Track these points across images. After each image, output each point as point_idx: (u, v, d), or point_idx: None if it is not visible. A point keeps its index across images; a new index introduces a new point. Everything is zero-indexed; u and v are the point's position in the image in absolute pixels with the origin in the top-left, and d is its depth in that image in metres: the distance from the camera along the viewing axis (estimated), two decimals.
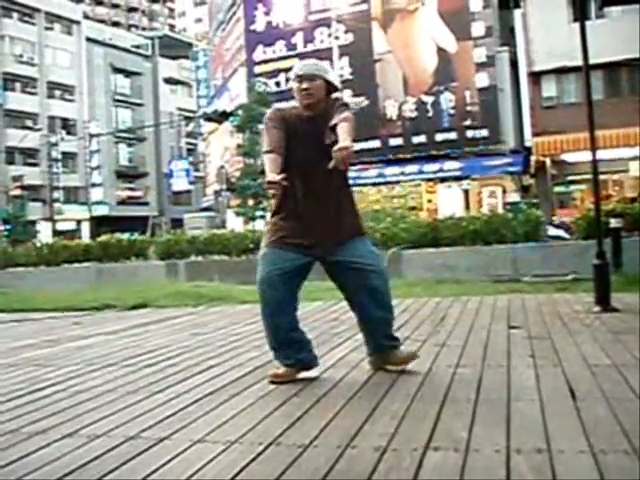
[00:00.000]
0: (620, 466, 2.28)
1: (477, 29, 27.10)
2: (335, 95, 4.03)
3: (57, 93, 52.03)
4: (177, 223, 40.31)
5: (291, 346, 3.93)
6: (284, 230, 3.85)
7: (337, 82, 4.11)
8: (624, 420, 2.78)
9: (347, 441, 2.69)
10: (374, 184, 28.23)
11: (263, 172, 3.87)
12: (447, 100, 27.76)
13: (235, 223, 29.20)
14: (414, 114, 28.46)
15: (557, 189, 26.25)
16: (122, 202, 54.70)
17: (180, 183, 51.27)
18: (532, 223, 13.00)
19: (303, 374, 3.97)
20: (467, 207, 26.24)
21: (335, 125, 3.69)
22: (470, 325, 5.81)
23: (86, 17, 58.60)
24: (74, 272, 16.91)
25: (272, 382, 3.87)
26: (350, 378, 3.92)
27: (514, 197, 25.54)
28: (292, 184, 3.73)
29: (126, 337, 6.43)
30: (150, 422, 3.16)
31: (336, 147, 3.48)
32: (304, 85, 3.89)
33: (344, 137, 3.54)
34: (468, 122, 27.22)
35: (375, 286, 3.88)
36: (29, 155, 48.48)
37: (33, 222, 43.02)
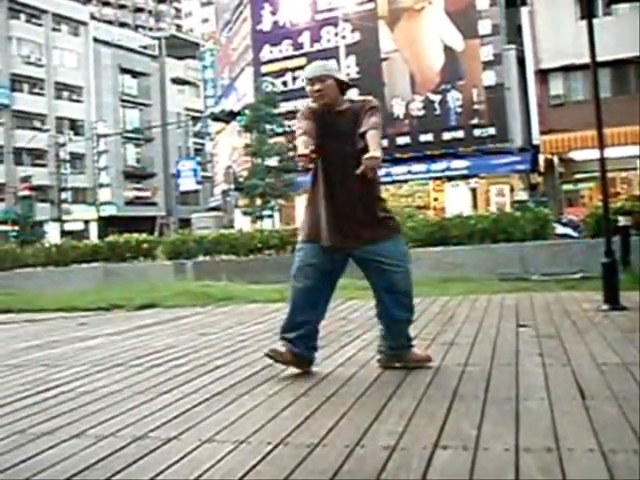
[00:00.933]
0: (630, 465, 2.27)
1: (484, 27, 27.07)
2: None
3: (65, 94, 52.22)
4: (185, 223, 40.36)
5: (308, 343, 4.06)
6: (319, 226, 3.92)
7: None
8: (633, 419, 2.76)
9: (356, 440, 2.68)
10: (382, 183, 28.10)
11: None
12: (454, 98, 27.73)
13: (243, 223, 29.24)
14: (421, 113, 28.46)
15: (565, 187, 26.22)
16: (130, 202, 54.88)
17: (188, 183, 51.23)
18: (540, 221, 12.97)
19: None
20: (475, 206, 26.21)
21: (365, 132, 3.74)
22: (478, 324, 5.80)
23: (93, 18, 58.76)
24: (82, 272, 16.96)
25: (268, 355, 3.99)
26: (359, 377, 3.91)
27: (522, 195, 25.50)
28: (322, 179, 3.90)
29: (133, 337, 6.42)
30: (158, 422, 3.15)
31: (366, 155, 3.54)
32: (316, 87, 3.95)
33: (374, 147, 3.60)
34: (475, 120, 27.20)
35: (398, 287, 3.93)
36: (37, 156, 48.66)
37: (41, 223, 43.14)
